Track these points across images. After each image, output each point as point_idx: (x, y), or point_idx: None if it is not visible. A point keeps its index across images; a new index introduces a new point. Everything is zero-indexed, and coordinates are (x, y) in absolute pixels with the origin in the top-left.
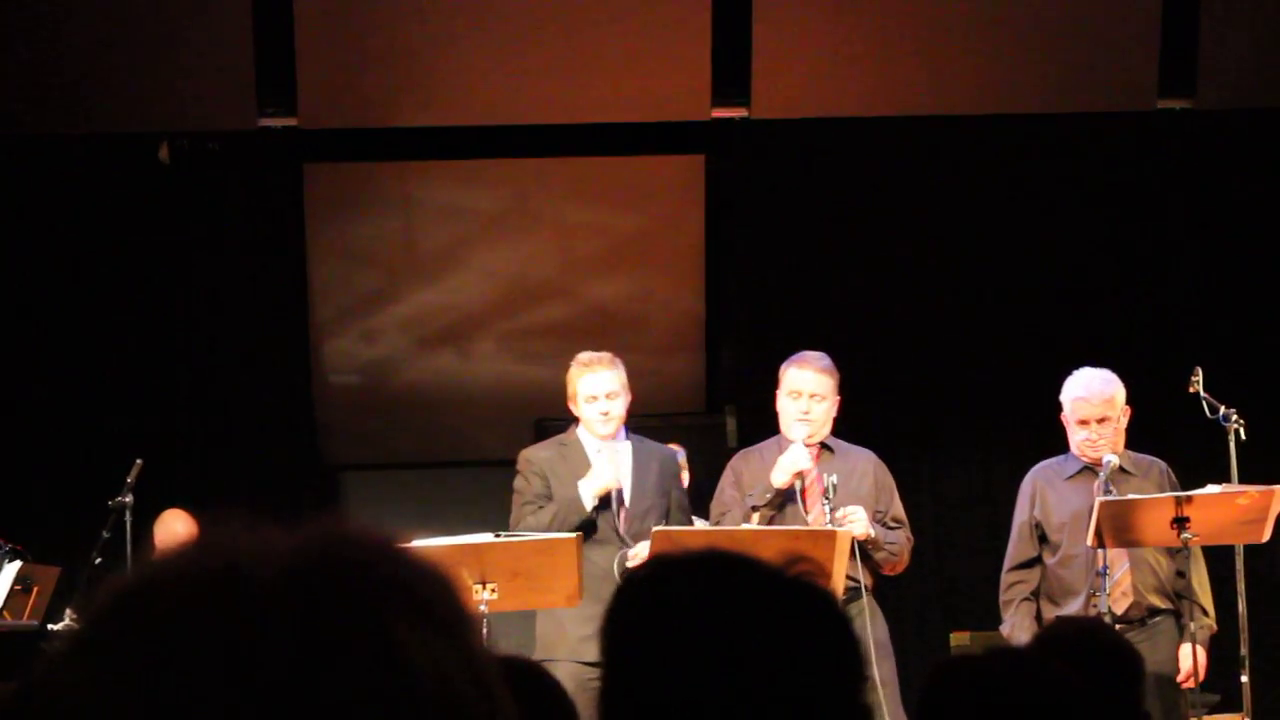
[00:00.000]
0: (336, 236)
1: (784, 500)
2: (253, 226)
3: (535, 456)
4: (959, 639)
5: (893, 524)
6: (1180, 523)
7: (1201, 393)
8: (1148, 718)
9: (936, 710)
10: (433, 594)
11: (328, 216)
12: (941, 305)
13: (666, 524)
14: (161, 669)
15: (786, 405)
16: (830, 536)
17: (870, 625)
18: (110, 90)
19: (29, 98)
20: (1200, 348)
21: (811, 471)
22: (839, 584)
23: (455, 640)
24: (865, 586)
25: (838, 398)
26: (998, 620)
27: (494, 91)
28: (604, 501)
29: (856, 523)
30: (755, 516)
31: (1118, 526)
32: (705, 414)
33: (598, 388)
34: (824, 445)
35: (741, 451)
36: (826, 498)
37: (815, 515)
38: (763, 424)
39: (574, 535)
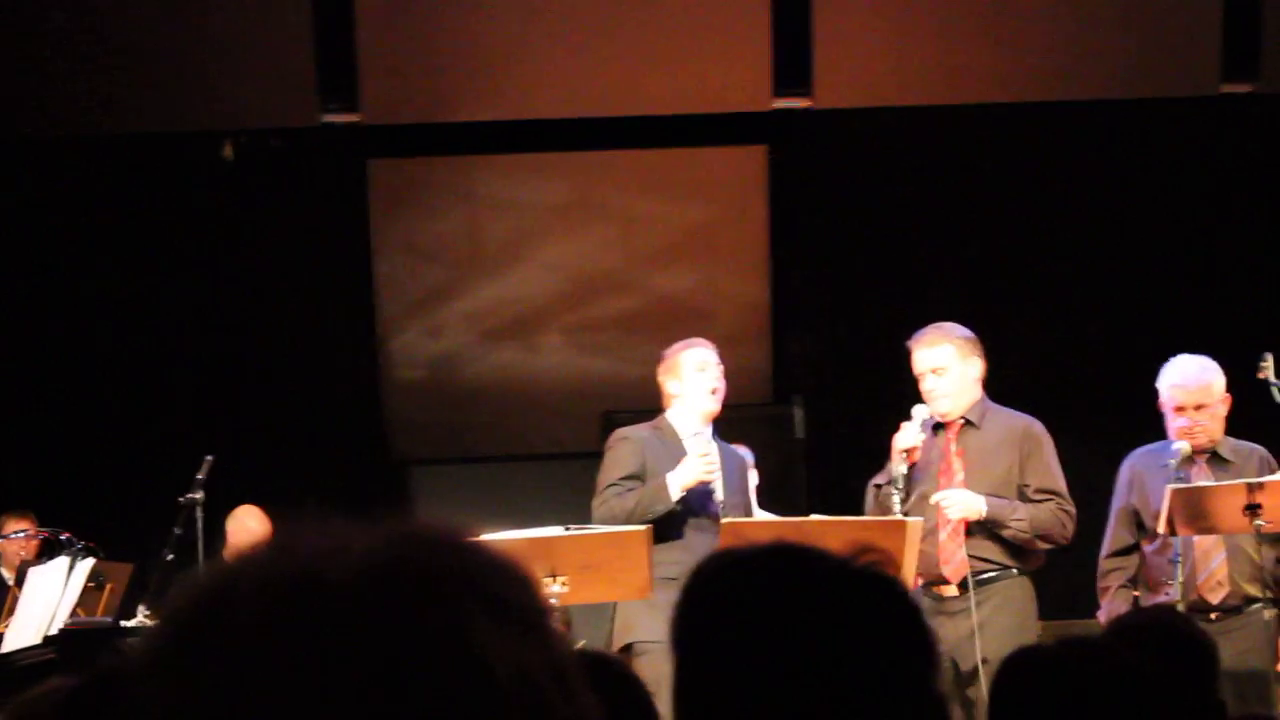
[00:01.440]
0: (400, 232)
1: (916, 478)
2: (317, 223)
3: (634, 434)
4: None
5: (1036, 497)
6: (1253, 509)
7: (1271, 379)
8: (1223, 707)
9: (1008, 702)
10: (510, 591)
11: (391, 212)
12: (1005, 293)
13: None
14: (240, 678)
15: (921, 388)
16: (900, 526)
17: (998, 610)
18: (174, 89)
19: (93, 98)
20: (1268, 333)
21: (951, 445)
22: (909, 574)
23: (535, 638)
24: (1000, 567)
25: (974, 359)
26: (1078, 608)
27: (556, 85)
28: (701, 493)
29: (951, 507)
30: (879, 494)
31: (1191, 514)
32: (772, 404)
33: (708, 359)
34: (967, 420)
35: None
36: (896, 487)
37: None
38: (831, 413)
39: (644, 528)
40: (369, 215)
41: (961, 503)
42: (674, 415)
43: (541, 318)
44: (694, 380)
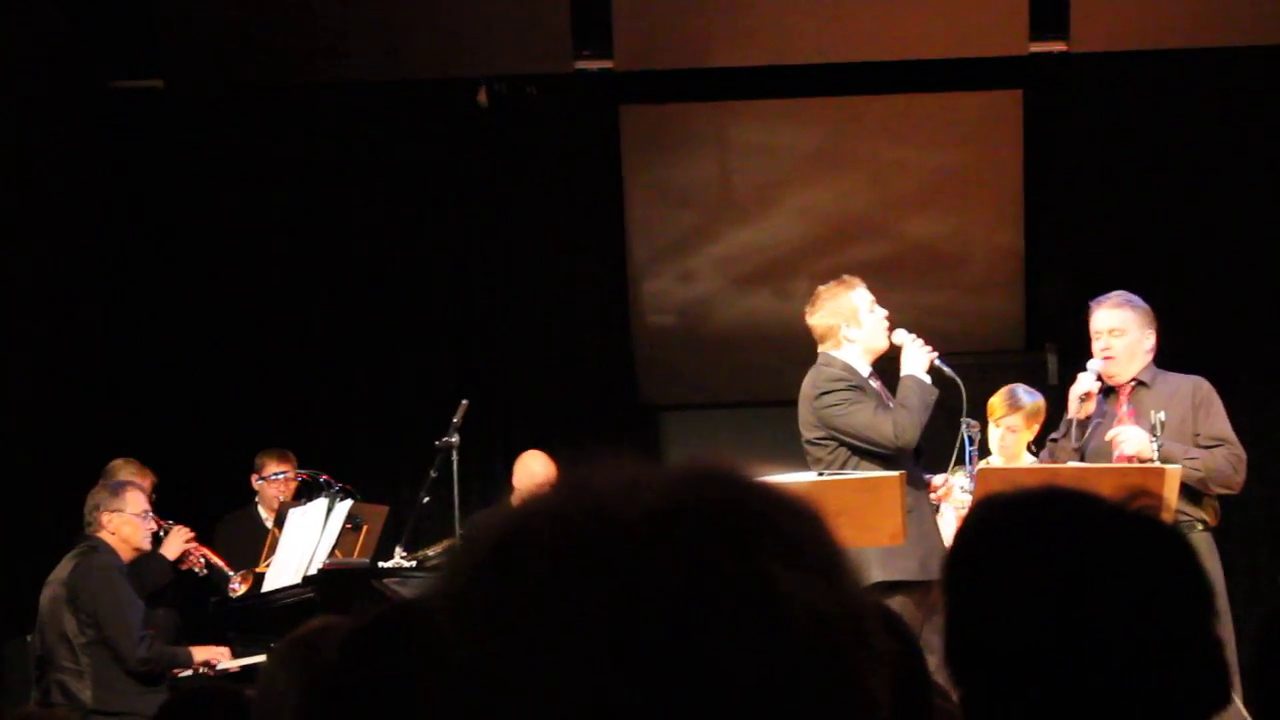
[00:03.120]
0: (652, 177)
1: (1090, 437)
2: (570, 168)
3: (839, 374)
4: None
5: (1207, 443)
6: None
7: None
8: None
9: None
10: (805, 532)
11: (644, 157)
12: (1266, 240)
13: None
14: (537, 616)
15: (1094, 347)
16: (1160, 473)
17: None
18: (430, 36)
19: (352, 46)
20: None
21: (1124, 405)
22: (1170, 520)
23: (829, 579)
24: (1183, 518)
25: (1149, 331)
26: None
27: (808, 30)
28: None
29: (1126, 442)
30: (1055, 449)
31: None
32: (1025, 351)
33: (870, 295)
34: (1139, 382)
35: None
36: (1155, 434)
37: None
38: (1085, 360)
39: (898, 474)
40: (621, 161)
41: (1135, 438)
42: (843, 355)
43: (793, 264)
44: (872, 320)
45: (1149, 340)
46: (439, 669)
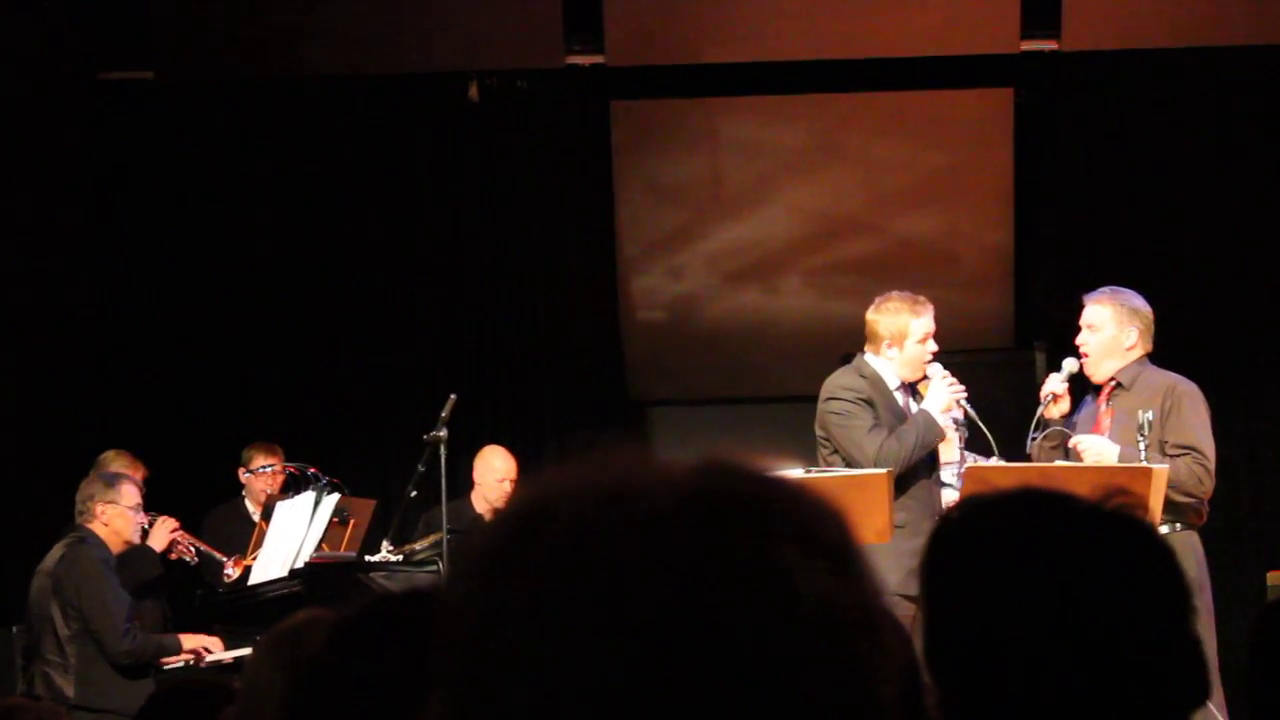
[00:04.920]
0: (643, 173)
1: (1066, 433)
2: (560, 164)
3: (854, 384)
4: (1277, 578)
5: (1173, 452)
6: None
7: None
8: None
9: (1270, 655)
10: (822, 527)
11: (634, 153)
12: (1256, 240)
13: None
14: (550, 594)
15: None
16: (1146, 473)
17: None
18: (421, 30)
19: (343, 41)
20: None
21: (1103, 405)
22: (1156, 520)
23: (844, 574)
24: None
25: (1130, 328)
26: None
27: (800, 26)
28: None
29: (1086, 452)
30: (1034, 448)
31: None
32: (1014, 350)
33: (932, 326)
34: (1118, 383)
35: None
36: (1142, 434)
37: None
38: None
39: (885, 471)
40: (612, 156)
41: (1094, 448)
42: (878, 364)
43: (782, 260)
44: (915, 350)
45: (1129, 338)
46: (452, 644)
